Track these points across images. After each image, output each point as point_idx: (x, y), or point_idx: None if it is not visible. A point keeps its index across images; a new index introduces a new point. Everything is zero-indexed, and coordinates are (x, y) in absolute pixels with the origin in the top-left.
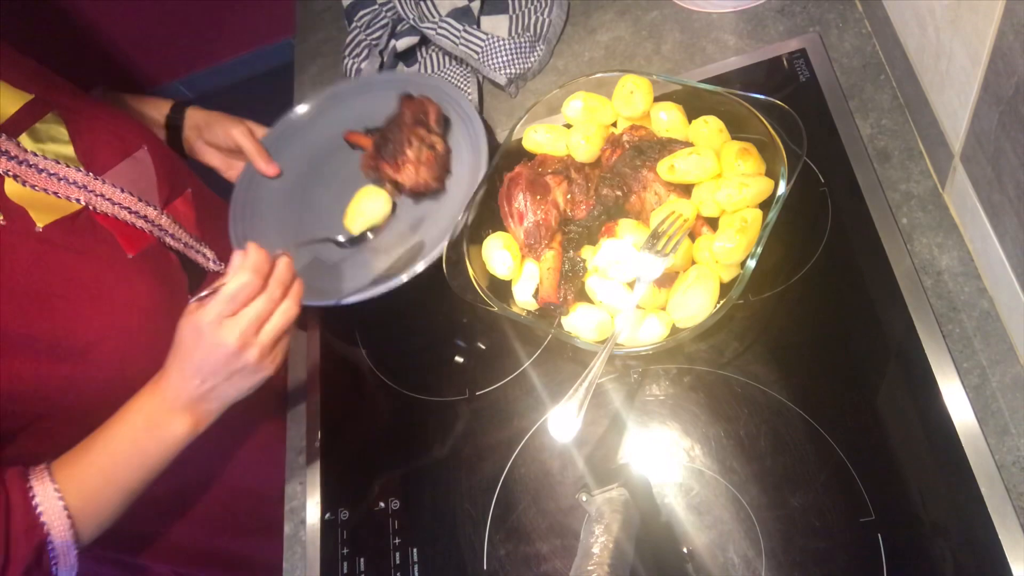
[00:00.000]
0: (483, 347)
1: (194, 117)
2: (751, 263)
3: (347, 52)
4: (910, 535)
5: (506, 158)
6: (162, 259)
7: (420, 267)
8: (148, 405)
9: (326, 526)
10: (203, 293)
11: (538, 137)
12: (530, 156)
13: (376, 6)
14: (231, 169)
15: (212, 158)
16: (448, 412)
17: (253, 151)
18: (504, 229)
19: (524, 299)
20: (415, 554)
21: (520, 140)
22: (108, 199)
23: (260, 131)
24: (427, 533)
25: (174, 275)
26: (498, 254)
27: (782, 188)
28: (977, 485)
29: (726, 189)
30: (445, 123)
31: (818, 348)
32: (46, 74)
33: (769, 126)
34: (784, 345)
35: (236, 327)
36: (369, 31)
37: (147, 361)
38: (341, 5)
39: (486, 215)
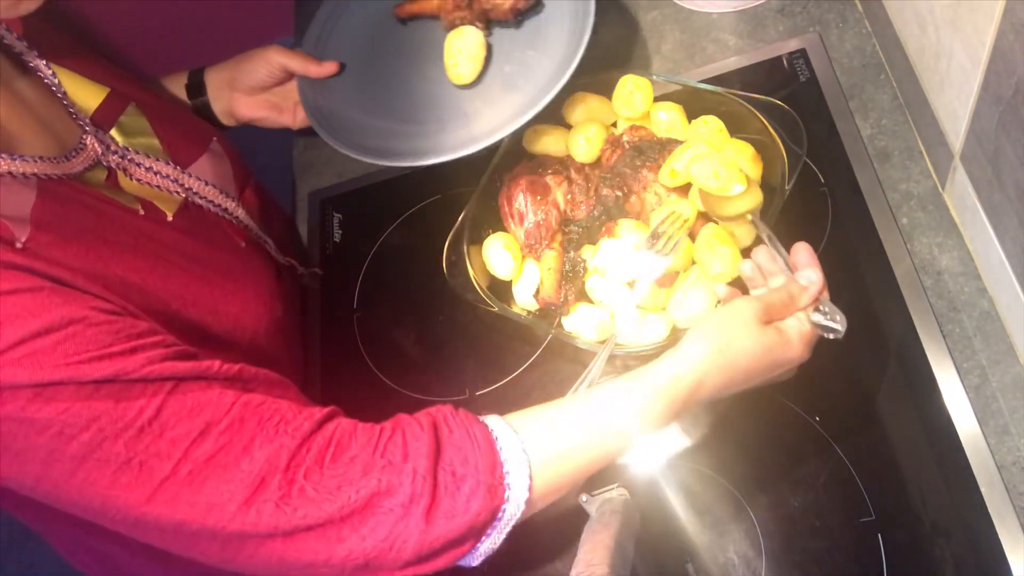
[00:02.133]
0: (483, 347)
1: (217, 77)
2: None
3: None
4: (910, 535)
5: (506, 158)
6: (257, 249)
7: (531, 115)
8: (647, 393)
9: None
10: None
11: (538, 137)
12: (530, 156)
13: None
14: (283, 113)
15: (256, 109)
16: None
17: (299, 60)
18: (504, 229)
19: (524, 299)
20: None
21: (520, 140)
22: (196, 193)
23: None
24: None
25: (266, 264)
26: (498, 254)
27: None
28: (977, 485)
29: None
30: None
31: (818, 348)
32: (111, 66)
33: (769, 126)
34: None
35: (809, 339)
36: None
37: (272, 349)
38: None
39: (486, 215)
